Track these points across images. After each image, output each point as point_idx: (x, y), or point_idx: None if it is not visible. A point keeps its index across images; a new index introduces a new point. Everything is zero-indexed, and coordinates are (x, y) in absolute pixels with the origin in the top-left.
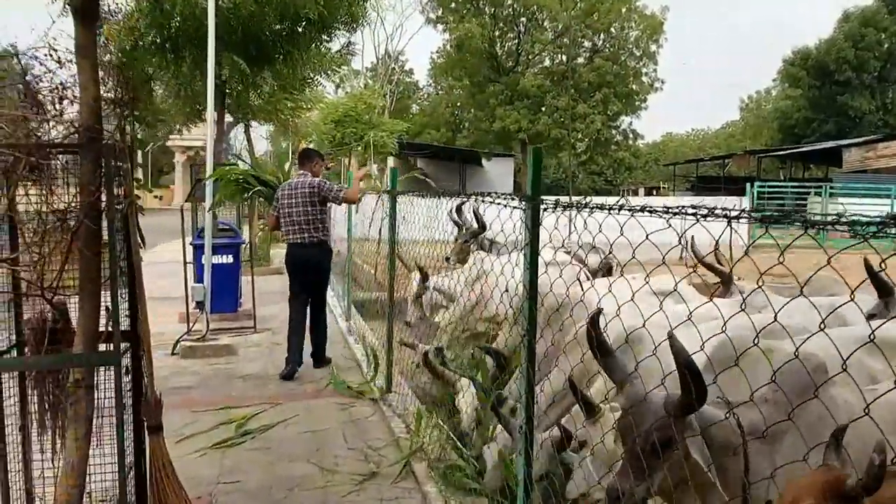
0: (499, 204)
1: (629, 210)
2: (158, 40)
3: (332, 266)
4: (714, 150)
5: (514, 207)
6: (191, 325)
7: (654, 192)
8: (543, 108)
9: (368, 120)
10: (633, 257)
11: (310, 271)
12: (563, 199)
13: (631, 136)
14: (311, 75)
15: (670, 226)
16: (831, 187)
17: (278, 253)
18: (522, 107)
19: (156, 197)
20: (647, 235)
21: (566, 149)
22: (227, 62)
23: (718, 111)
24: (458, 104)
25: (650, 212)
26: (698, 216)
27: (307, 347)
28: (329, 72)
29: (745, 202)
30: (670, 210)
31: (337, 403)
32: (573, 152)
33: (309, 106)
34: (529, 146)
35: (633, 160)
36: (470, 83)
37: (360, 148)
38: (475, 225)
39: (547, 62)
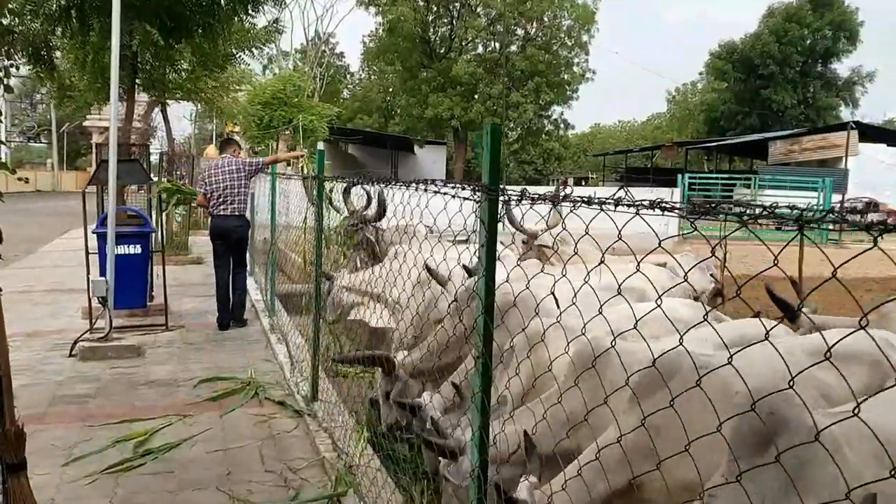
0: (445, 194)
1: (630, 205)
2: (63, 3)
3: (256, 255)
4: (641, 142)
5: (466, 199)
6: (92, 322)
7: (583, 183)
8: (476, 96)
9: (298, 103)
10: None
11: (231, 240)
12: (533, 189)
13: (562, 125)
14: (235, 52)
15: (695, 225)
16: (761, 179)
17: (197, 241)
18: (455, 94)
19: (20, 180)
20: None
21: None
22: (139, 32)
23: (646, 103)
24: (391, 90)
25: (663, 209)
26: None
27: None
28: (254, 49)
29: (677, 193)
30: (673, 207)
31: (254, 415)
32: (505, 141)
33: (235, 88)
34: (486, 123)
35: (562, 150)
36: (402, 68)
37: (288, 132)
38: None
39: (480, 49)
